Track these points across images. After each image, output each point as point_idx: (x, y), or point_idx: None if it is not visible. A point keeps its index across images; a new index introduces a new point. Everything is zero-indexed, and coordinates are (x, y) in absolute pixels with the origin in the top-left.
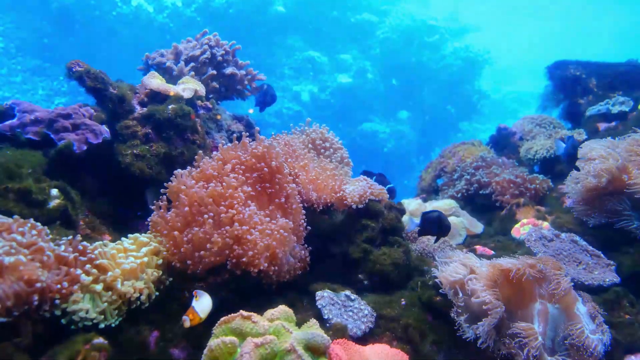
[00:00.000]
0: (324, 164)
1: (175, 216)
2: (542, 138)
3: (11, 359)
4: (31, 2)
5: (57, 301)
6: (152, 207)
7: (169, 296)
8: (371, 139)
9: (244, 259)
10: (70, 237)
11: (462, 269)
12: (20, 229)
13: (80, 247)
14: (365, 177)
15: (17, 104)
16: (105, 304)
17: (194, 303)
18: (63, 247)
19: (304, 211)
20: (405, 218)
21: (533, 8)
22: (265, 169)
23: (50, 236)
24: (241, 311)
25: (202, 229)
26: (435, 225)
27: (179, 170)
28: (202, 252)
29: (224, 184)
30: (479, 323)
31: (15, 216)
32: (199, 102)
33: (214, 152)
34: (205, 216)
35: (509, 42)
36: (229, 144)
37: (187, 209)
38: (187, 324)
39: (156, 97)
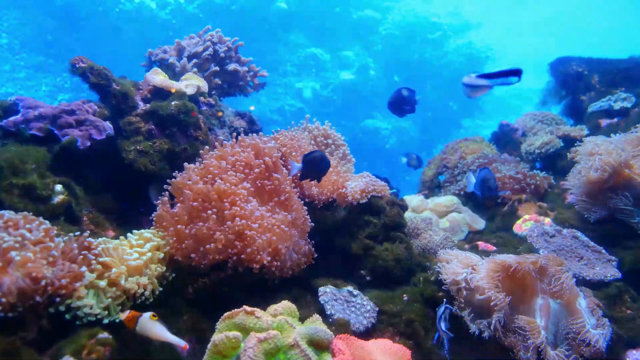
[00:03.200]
0: None
1: (180, 211)
2: (544, 134)
3: (18, 353)
4: None
5: (59, 299)
6: (156, 203)
7: (173, 291)
8: (373, 136)
9: (243, 256)
10: (78, 233)
11: (465, 265)
12: (28, 225)
13: (86, 244)
14: (368, 173)
15: (21, 100)
16: (109, 299)
17: (145, 318)
18: (69, 244)
19: (305, 207)
20: (407, 214)
21: (536, 3)
22: (262, 165)
23: (55, 232)
24: (244, 306)
25: (206, 224)
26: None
27: (191, 165)
28: (206, 247)
29: (221, 182)
30: (486, 319)
31: (25, 213)
32: (201, 99)
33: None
34: (210, 212)
35: (512, 38)
36: (226, 141)
37: (195, 203)
38: (122, 315)
39: (159, 93)
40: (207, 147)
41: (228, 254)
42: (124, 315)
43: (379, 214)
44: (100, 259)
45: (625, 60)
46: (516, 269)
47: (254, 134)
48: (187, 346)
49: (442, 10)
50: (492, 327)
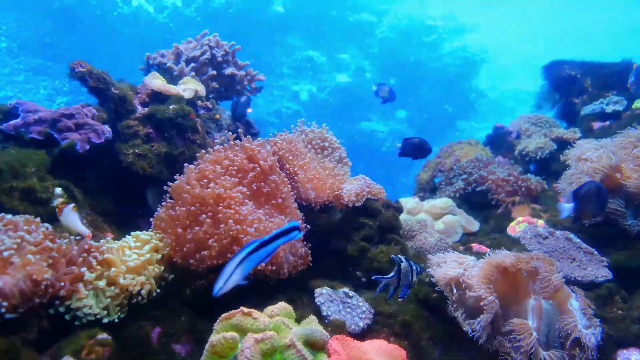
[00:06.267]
0: (324, 163)
1: (178, 214)
2: (538, 137)
3: (18, 353)
4: (33, 2)
5: (58, 300)
6: (158, 205)
7: (170, 293)
8: (369, 138)
9: None
10: (79, 236)
11: (457, 266)
12: (27, 227)
13: (86, 246)
14: (363, 176)
15: (20, 104)
16: (108, 299)
17: (68, 207)
18: (69, 246)
19: (301, 210)
20: (402, 216)
21: (530, 7)
22: (257, 168)
23: (55, 234)
24: (242, 307)
25: (202, 228)
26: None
27: (191, 166)
28: (203, 253)
29: (216, 186)
30: (477, 318)
31: (25, 215)
32: (199, 102)
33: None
34: (204, 216)
35: (507, 40)
36: (219, 146)
37: (193, 208)
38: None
39: (157, 97)
40: (203, 150)
41: (225, 258)
42: (57, 202)
43: (375, 216)
44: (105, 256)
45: (617, 63)
46: (508, 268)
47: (250, 137)
48: (90, 235)
49: (438, 13)
50: (482, 326)
